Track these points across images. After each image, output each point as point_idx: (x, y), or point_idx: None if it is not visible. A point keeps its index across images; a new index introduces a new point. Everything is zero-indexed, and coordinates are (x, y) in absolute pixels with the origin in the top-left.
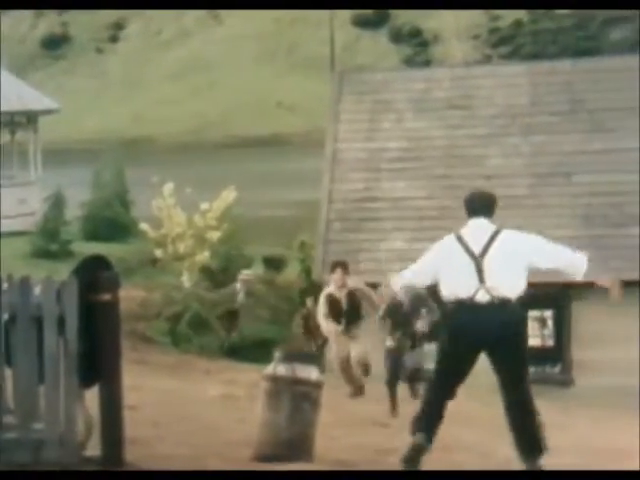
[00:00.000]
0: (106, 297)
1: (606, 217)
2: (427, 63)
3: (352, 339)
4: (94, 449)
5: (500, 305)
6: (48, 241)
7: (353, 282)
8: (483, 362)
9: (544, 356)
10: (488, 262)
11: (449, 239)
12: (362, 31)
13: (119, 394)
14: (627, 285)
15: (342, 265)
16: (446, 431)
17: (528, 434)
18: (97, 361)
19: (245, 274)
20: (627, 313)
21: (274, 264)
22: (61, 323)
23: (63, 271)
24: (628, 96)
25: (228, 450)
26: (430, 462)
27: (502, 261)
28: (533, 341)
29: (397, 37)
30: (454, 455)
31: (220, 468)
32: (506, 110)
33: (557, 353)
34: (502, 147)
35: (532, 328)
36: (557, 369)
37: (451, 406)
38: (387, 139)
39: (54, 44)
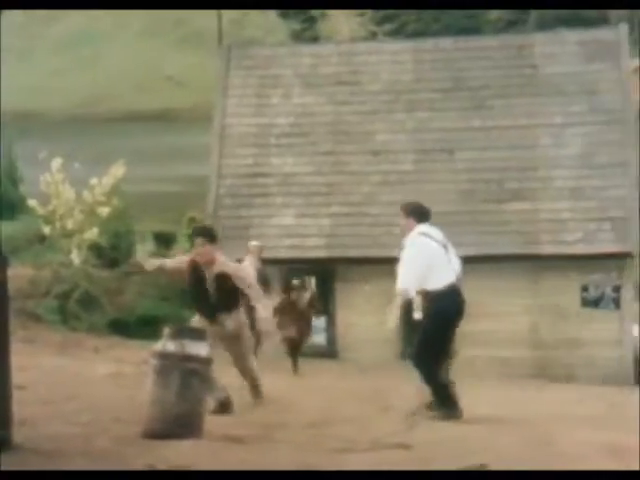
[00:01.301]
0: None
1: (487, 193)
2: (315, 39)
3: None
4: None
5: (459, 286)
6: None
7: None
8: (360, 342)
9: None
10: (450, 252)
11: (423, 239)
12: None
13: (7, 374)
14: (504, 259)
15: (204, 233)
16: (329, 406)
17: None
18: None
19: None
20: (505, 287)
21: (164, 240)
22: None
23: None
24: (507, 74)
25: (117, 428)
26: (313, 436)
27: (453, 250)
28: (418, 315)
29: (285, 13)
30: (337, 428)
31: (109, 446)
32: (391, 86)
33: None
34: (388, 123)
35: (417, 302)
36: None
37: (331, 383)
38: (275, 114)
39: None
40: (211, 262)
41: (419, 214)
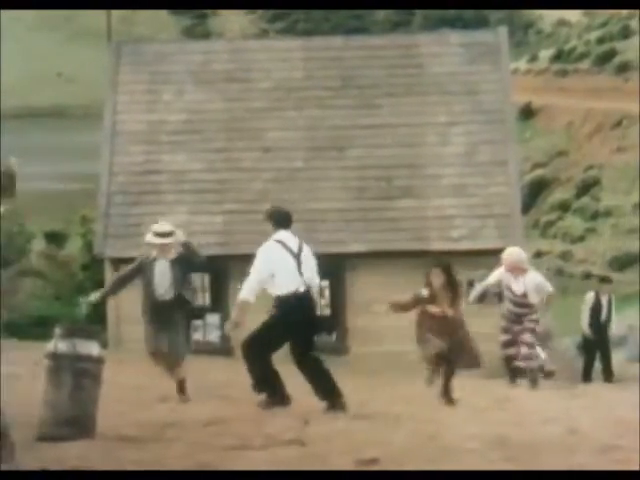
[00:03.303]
0: None
1: (377, 190)
2: (206, 36)
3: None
4: None
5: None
6: None
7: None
8: None
9: (321, 325)
10: (306, 262)
11: (273, 245)
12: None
13: None
14: (395, 255)
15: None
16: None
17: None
18: None
19: None
20: (396, 283)
21: (56, 239)
22: None
23: None
24: (394, 73)
25: (10, 431)
26: (207, 435)
27: (311, 261)
28: None
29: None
30: (232, 425)
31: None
32: (282, 84)
33: (333, 322)
34: (279, 120)
35: None
36: (333, 337)
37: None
38: (167, 111)
39: None
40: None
41: (277, 220)
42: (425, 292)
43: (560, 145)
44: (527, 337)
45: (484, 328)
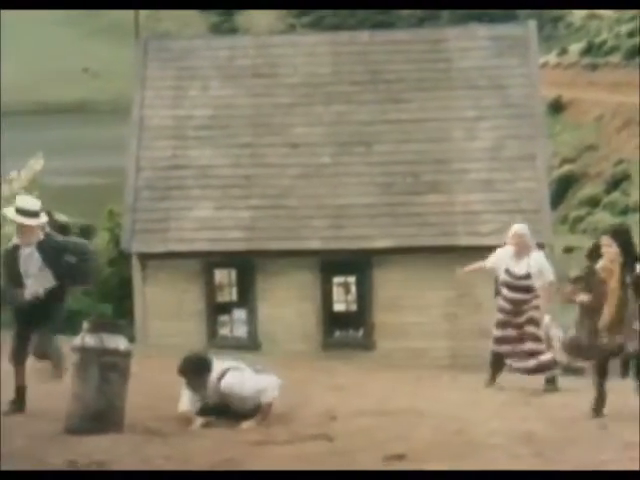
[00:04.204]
0: None
1: (403, 185)
2: (233, 31)
3: None
4: None
5: None
6: None
7: None
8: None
9: (348, 321)
10: None
11: None
12: None
13: None
14: (422, 251)
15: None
16: None
17: None
18: None
19: None
20: (423, 279)
21: (83, 234)
22: None
23: None
24: (421, 68)
25: (36, 424)
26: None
27: None
28: (339, 306)
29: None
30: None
31: (26, 443)
32: (309, 79)
33: (360, 318)
34: (305, 116)
35: (337, 294)
36: (360, 333)
37: None
38: (193, 106)
39: None
40: None
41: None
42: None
43: (589, 139)
44: (531, 329)
45: None
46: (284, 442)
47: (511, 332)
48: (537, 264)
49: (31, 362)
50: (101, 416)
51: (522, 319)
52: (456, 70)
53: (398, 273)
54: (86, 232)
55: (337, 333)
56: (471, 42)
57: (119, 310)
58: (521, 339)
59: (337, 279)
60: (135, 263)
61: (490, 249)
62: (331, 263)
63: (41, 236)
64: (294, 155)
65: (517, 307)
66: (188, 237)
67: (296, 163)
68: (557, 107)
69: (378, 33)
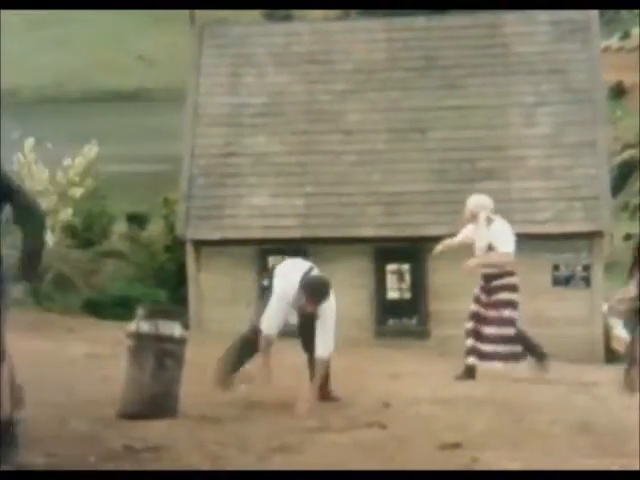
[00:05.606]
0: None
1: (459, 172)
2: (288, 18)
3: None
4: None
5: None
6: None
7: None
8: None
9: (402, 309)
10: None
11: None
12: None
13: None
14: None
15: None
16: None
17: None
18: None
19: None
20: None
21: (138, 221)
22: None
23: None
24: (478, 53)
25: (92, 409)
26: (287, 415)
27: None
28: (392, 294)
29: None
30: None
31: (85, 427)
32: (363, 65)
33: (414, 305)
34: (360, 102)
35: (391, 281)
36: (414, 321)
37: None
38: (248, 94)
39: None
40: None
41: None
42: None
43: None
44: (506, 312)
45: (569, 312)
46: (340, 429)
47: (481, 318)
48: (499, 233)
49: (82, 349)
50: (156, 401)
51: (493, 299)
52: (514, 55)
53: (452, 261)
54: (141, 219)
55: (390, 321)
56: (530, 27)
57: (174, 297)
58: (490, 320)
59: (391, 267)
60: (190, 250)
61: (547, 237)
62: (385, 251)
63: None
64: (348, 142)
65: (486, 286)
66: (242, 224)
67: (350, 150)
68: (618, 92)
69: (435, 18)
